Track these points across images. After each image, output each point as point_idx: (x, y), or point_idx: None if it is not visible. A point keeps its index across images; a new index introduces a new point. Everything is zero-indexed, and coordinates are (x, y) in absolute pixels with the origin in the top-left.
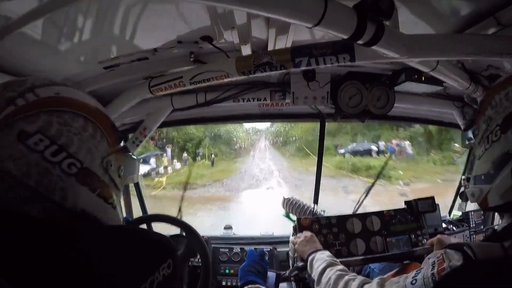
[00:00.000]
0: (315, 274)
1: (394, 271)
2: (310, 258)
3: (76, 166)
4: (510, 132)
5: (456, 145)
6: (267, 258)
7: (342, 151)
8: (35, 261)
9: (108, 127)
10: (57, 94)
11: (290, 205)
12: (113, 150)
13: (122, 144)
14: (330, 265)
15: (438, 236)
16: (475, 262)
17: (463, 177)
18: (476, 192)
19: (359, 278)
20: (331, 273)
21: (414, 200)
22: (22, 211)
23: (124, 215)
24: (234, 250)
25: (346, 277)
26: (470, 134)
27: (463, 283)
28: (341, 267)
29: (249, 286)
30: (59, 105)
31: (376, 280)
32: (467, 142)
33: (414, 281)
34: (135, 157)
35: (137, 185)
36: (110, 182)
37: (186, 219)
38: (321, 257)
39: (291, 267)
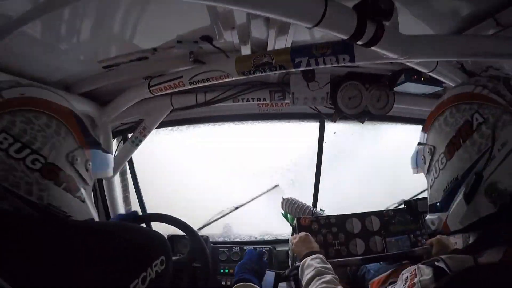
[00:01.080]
0: (304, 281)
1: (387, 273)
2: (302, 261)
3: (40, 162)
4: (455, 158)
5: None
6: (265, 259)
7: None
8: (23, 259)
9: (73, 123)
10: (22, 95)
11: (289, 205)
12: (79, 145)
13: (92, 139)
14: (318, 274)
15: (438, 236)
16: (448, 275)
17: None
18: (435, 220)
19: None
20: (316, 284)
21: (414, 200)
22: None
23: (122, 211)
24: (233, 250)
25: None
26: (414, 161)
27: None
28: (328, 277)
29: (241, 283)
30: (23, 105)
31: None
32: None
33: None
34: (108, 153)
35: (136, 185)
36: (76, 176)
37: None
38: (311, 263)
39: (290, 267)
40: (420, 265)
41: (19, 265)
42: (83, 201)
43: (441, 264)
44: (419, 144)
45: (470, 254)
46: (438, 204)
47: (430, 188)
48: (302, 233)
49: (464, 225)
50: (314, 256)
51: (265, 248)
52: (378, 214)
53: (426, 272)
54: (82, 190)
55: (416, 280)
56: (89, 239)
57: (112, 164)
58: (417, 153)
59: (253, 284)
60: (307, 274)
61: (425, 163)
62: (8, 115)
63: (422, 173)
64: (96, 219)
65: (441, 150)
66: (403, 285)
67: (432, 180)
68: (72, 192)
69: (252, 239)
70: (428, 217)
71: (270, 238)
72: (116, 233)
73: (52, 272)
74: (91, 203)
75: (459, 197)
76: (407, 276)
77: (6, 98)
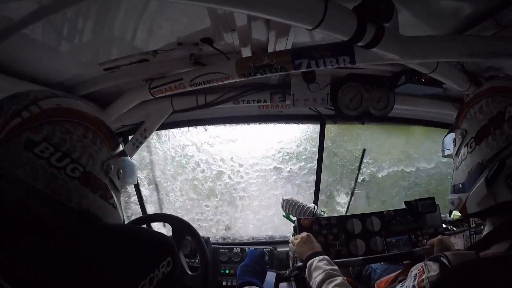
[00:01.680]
0: (313, 283)
1: (396, 272)
2: (308, 263)
3: (79, 170)
4: (483, 143)
5: None
6: (267, 258)
7: None
8: (35, 261)
9: (106, 134)
10: (58, 105)
11: (290, 206)
12: (112, 154)
13: (121, 148)
14: (329, 276)
15: (439, 236)
16: (450, 270)
17: None
18: (456, 200)
19: None
20: None
21: (414, 200)
22: (30, 211)
23: (125, 215)
24: (234, 251)
25: None
26: (446, 145)
27: None
28: (339, 280)
29: (246, 287)
30: (60, 115)
31: None
32: (445, 154)
33: None
34: (133, 161)
35: (137, 187)
36: (110, 184)
37: None
38: (320, 265)
39: (291, 267)
40: (427, 262)
41: (28, 265)
42: (115, 208)
43: (444, 260)
44: (452, 128)
45: (476, 249)
46: (461, 185)
47: (456, 169)
48: (304, 233)
49: (481, 209)
50: (320, 257)
51: (266, 249)
52: (379, 214)
53: (433, 268)
54: (115, 197)
55: (424, 276)
56: (98, 239)
57: (137, 172)
58: (449, 135)
59: (254, 287)
60: (316, 277)
61: (455, 145)
62: (48, 125)
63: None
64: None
65: (472, 134)
66: (412, 282)
67: (459, 162)
68: (107, 199)
69: (254, 240)
70: (449, 197)
71: (271, 238)
72: (123, 235)
73: (59, 273)
74: (121, 209)
75: (481, 181)
76: (416, 273)
77: (44, 109)
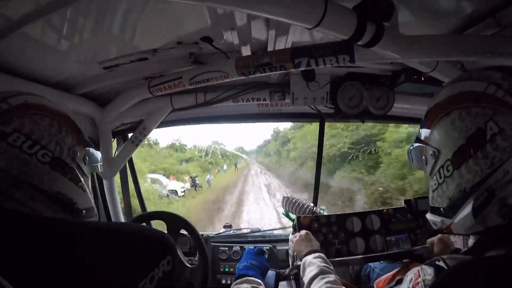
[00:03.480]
0: (305, 279)
1: (394, 271)
2: (303, 260)
3: (49, 156)
4: (463, 168)
5: None
6: (266, 256)
7: None
8: (34, 260)
9: (70, 125)
10: (25, 102)
11: (290, 204)
12: (76, 142)
13: (85, 139)
14: (321, 273)
15: (439, 235)
16: (446, 272)
17: None
18: (438, 222)
19: None
20: (320, 283)
21: (414, 198)
22: (9, 198)
23: (125, 214)
24: (233, 249)
25: None
26: (415, 159)
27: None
28: (332, 277)
29: (238, 280)
30: (28, 109)
31: None
32: (412, 167)
33: None
34: (97, 151)
35: (136, 184)
36: (77, 168)
37: None
38: (314, 262)
39: (290, 266)
40: (423, 266)
41: (27, 264)
42: (85, 191)
43: (441, 264)
44: (418, 141)
45: (473, 254)
46: (442, 209)
47: (433, 191)
48: (303, 231)
49: (469, 233)
50: (316, 254)
51: (265, 247)
52: (378, 213)
53: (428, 272)
54: (83, 181)
55: (419, 280)
56: (97, 238)
57: (101, 159)
58: (415, 149)
59: (250, 277)
60: (309, 272)
61: (426, 164)
62: (18, 118)
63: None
64: (94, 206)
65: (447, 156)
66: (407, 285)
67: (435, 184)
68: (75, 182)
69: (253, 239)
70: (430, 217)
71: (270, 237)
72: (124, 233)
73: (61, 272)
74: (90, 192)
75: (466, 210)
76: (411, 277)
77: (13, 105)
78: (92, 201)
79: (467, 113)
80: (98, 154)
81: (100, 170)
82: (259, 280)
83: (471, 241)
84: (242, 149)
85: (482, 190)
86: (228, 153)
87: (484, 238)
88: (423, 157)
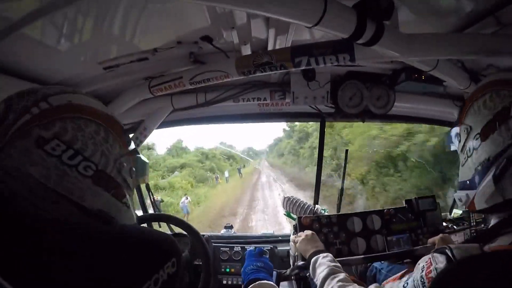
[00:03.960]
0: (317, 279)
1: (400, 273)
2: (312, 260)
3: (92, 169)
4: (489, 140)
5: None
6: (267, 256)
7: None
8: (37, 261)
9: (118, 131)
10: (69, 102)
11: (291, 204)
12: (124, 152)
13: (132, 146)
14: (332, 272)
15: (441, 235)
16: (455, 264)
17: None
18: (463, 197)
19: None
20: (333, 283)
21: (415, 198)
22: (43, 212)
23: None
24: (234, 249)
25: None
26: (450, 138)
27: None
28: (342, 276)
29: (253, 284)
30: (72, 112)
31: (372, 287)
32: (450, 148)
33: (405, 285)
34: (145, 159)
35: (138, 186)
36: (123, 182)
37: None
38: (323, 262)
39: (291, 266)
40: (434, 254)
41: (31, 266)
42: (128, 207)
43: (448, 252)
44: (455, 123)
45: (479, 242)
46: (468, 182)
47: (462, 166)
48: (308, 232)
49: (489, 205)
50: (324, 254)
51: (266, 247)
52: (379, 213)
53: (440, 260)
54: (128, 196)
55: (432, 267)
56: (102, 241)
57: (148, 170)
58: (452, 130)
59: (263, 281)
60: (321, 272)
61: (459, 141)
62: (59, 122)
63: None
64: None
65: (477, 130)
66: (420, 273)
67: (465, 158)
68: (120, 198)
69: (254, 239)
70: (456, 195)
71: (271, 237)
72: (128, 235)
73: (63, 274)
74: (133, 208)
75: (488, 178)
76: (423, 265)
77: (55, 105)
78: (135, 216)
79: (496, 95)
80: (146, 164)
81: (146, 182)
82: (272, 283)
83: (492, 222)
84: (252, 150)
85: (503, 158)
86: (234, 155)
87: (497, 226)
88: (458, 135)
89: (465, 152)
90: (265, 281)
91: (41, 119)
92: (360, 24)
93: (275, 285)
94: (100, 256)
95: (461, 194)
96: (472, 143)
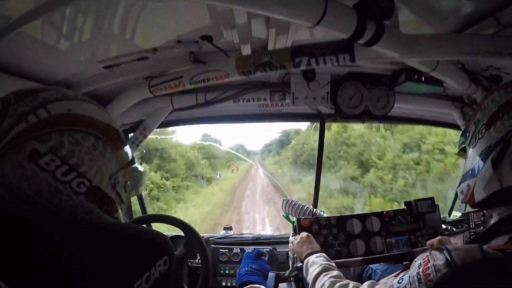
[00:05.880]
0: (309, 278)
1: (395, 273)
2: (305, 260)
3: (85, 185)
4: (492, 128)
5: None
6: (266, 258)
7: None
8: (27, 263)
9: (117, 143)
10: (69, 111)
11: (290, 206)
12: (121, 166)
13: (130, 156)
14: (325, 270)
15: (439, 237)
16: (455, 267)
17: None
18: (465, 188)
19: (352, 284)
20: (325, 279)
21: (414, 200)
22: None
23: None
24: (233, 251)
25: (338, 284)
26: (463, 139)
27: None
28: (335, 273)
29: (245, 287)
30: (70, 124)
31: (367, 283)
32: (459, 148)
33: (400, 280)
34: (141, 169)
35: None
36: (116, 197)
37: None
38: (316, 261)
39: (290, 267)
40: (432, 251)
41: (23, 263)
42: (119, 221)
43: (446, 254)
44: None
45: (478, 243)
46: (470, 171)
47: (467, 158)
48: (304, 233)
49: (488, 194)
50: (318, 254)
51: (266, 249)
52: (379, 214)
53: (439, 257)
54: (120, 211)
55: (430, 264)
56: (93, 237)
57: (144, 181)
58: (466, 126)
59: (254, 285)
60: (313, 271)
61: (468, 135)
62: (56, 135)
63: None
64: None
65: (483, 122)
66: (417, 270)
67: (471, 150)
68: (112, 213)
69: (253, 241)
70: (459, 187)
71: (271, 239)
72: (120, 233)
73: (54, 271)
74: (125, 219)
75: (487, 162)
76: (420, 262)
77: (53, 114)
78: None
79: (504, 91)
80: (142, 175)
81: (139, 193)
82: (263, 286)
83: (492, 220)
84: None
85: (501, 142)
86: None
87: (495, 226)
88: (468, 131)
89: (472, 143)
90: (257, 285)
91: (37, 130)
92: (360, 24)
93: (265, 287)
94: (92, 253)
95: (464, 185)
96: (478, 134)
